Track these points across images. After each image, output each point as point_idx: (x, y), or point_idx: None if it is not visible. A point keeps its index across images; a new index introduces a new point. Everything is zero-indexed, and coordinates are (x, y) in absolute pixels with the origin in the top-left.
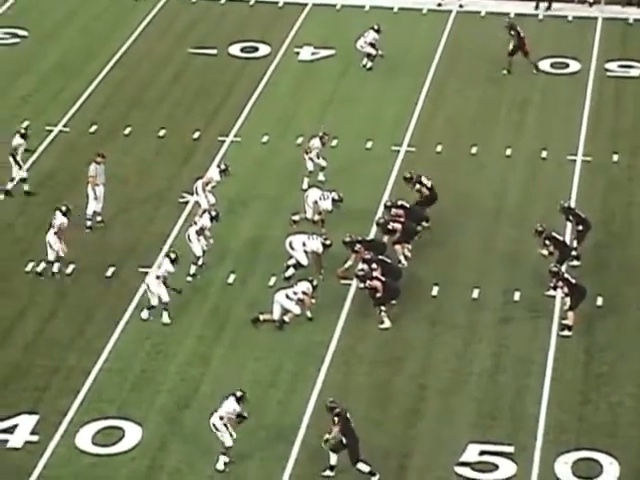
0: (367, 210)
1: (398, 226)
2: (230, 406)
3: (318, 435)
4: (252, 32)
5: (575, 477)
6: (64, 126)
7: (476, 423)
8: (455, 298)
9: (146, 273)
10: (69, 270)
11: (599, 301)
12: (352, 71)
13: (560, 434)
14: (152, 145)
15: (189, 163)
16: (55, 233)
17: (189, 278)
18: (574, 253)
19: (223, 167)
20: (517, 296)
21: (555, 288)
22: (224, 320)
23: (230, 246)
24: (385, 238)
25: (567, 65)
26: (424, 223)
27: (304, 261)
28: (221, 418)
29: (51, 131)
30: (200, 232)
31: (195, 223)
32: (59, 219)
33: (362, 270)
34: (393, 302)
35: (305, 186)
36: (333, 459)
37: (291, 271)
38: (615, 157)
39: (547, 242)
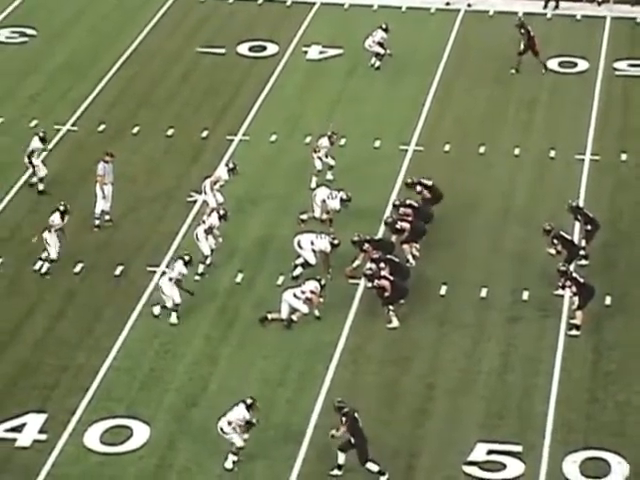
0: (375, 209)
1: (406, 225)
2: (240, 413)
3: (326, 434)
4: (260, 31)
5: (583, 476)
6: (72, 125)
7: (484, 422)
8: (463, 297)
9: (154, 272)
10: (77, 269)
11: (607, 300)
12: (360, 70)
13: (568, 433)
14: (160, 144)
15: (197, 162)
16: (49, 232)
17: (197, 277)
18: (582, 252)
19: (231, 166)
20: (525, 295)
21: (563, 287)
22: (232, 319)
23: (238, 245)
24: (393, 237)
25: (575, 64)
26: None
27: (312, 260)
28: (229, 423)
29: (59, 130)
30: (208, 231)
31: (203, 222)
32: (56, 218)
33: (370, 269)
34: (401, 301)
35: (313, 185)
36: (341, 458)
37: (299, 270)
38: (623, 156)
39: (555, 241)
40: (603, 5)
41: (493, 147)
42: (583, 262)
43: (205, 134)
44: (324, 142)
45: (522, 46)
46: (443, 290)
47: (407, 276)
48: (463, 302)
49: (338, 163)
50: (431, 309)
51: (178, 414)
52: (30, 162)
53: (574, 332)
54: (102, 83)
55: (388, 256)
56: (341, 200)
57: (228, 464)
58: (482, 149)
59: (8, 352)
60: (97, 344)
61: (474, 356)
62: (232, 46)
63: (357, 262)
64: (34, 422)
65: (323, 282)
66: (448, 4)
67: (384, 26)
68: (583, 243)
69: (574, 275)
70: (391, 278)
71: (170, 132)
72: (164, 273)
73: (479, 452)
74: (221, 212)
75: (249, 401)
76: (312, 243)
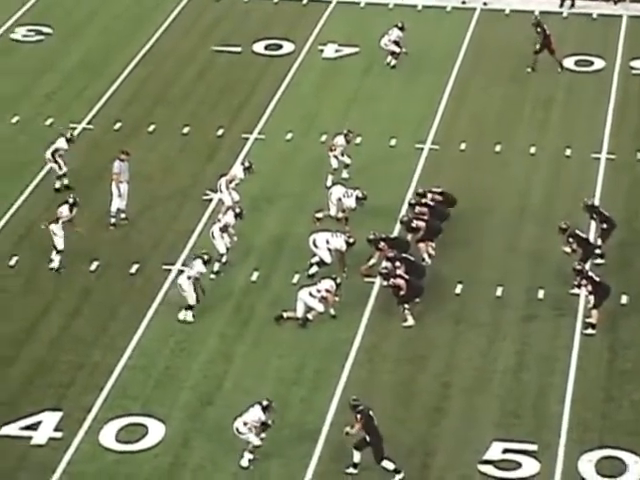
0: (391, 208)
1: (422, 224)
2: (255, 414)
3: (342, 433)
4: (276, 30)
5: (599, 475)
6: (88, 123)
7: (500, 421)
8: (479, 296)
9: (170, 270)
10: (93, 267)
11: (623, 299)
12: (376, 69)
13: (584, 432)
14: (176, 142)
15: (213, 160)
16: (57, 223)
17: (212, 276)
18: (598, 251)
19: (247, 164)
20: (541, 294)
21: (579, 286)
22: (247, 317)
23: (254, 243)
24: (409, 236)
25: (592, 63)
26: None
27: (328, 259)
28: (245, 424)
29: (75, 128)
30: (224, 229)
31: (219, 220)
32: (64, 210)
33: (386, 268)
34: (417, 300)
35: (329, 183)
36: (356, 457)
37: (315, 269)
38: (639, 155)
39: (571, 240)
40: (619, 4)
41: (509, 146)
42: (599, 261)
43: (221, 132)
44: (340, 140)
45: (538, 45)
46: (459, 289)
47: (422, 275)
48: (479, 301)
49: (354, 161)
50: (447, 308)
51: (193, 412)
52: (55, 160)
53: (590, 331)
54: (118, 81)
55: (404, 255)
56: (357, 198)
57: (244, 462)
58: (498, 148)
59: (24, 350)
60: (112, 342)
61: (489, 355)
62: (248, 45)
63: (373, 261)
64: (50, 420)
65: (339, 281)
66: (464, 2)
67: (400, 25)
68: (599, 242)
69: (590, 274)
70: (406, 277)
71: (186, 130)
72: (182, 272)
73: (494, 451)
74: (237, 210)
75: (265, 402)
76: (327, 242)
